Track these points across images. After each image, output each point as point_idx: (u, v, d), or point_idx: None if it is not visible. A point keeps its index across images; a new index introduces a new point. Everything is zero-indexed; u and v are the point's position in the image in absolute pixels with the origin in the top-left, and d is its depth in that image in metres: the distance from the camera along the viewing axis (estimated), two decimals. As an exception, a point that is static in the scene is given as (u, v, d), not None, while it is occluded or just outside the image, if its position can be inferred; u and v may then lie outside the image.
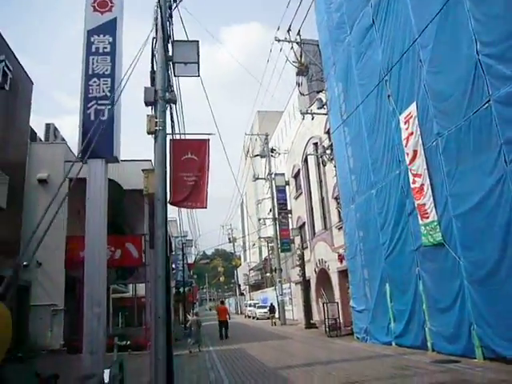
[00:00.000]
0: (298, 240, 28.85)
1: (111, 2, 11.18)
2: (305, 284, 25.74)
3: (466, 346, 9.75)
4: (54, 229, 16.93)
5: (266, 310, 39.99)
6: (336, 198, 21.25)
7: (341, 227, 20.56)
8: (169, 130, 8.14)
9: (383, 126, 13.76)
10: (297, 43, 20.37)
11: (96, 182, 10.51)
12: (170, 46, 8.69)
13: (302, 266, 25.43)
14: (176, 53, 8.06)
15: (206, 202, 8.07)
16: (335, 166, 18.85)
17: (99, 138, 10.18)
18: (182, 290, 32.08)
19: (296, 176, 29.65)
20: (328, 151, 19.82)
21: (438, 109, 10.70)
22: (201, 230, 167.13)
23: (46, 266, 16.61)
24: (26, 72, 16.47)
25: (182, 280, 31.73)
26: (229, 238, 64.96)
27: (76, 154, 11.26)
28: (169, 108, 8.05)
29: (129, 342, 14.50)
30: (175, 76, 8.30)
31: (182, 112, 9.13)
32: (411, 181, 11.84)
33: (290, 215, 31.38)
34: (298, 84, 20.59)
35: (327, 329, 18.68)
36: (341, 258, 20.37)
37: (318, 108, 19.68)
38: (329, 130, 21.19)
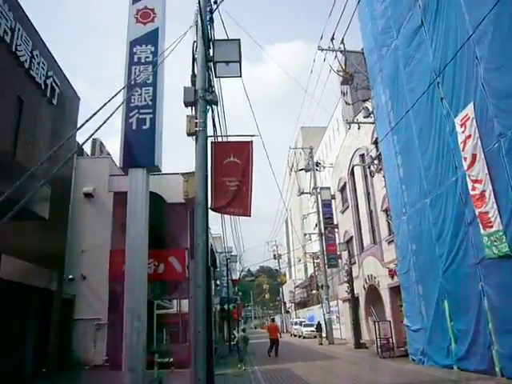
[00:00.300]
0: (345, 255, 27.83)
1: (154, 13, 11.08)
2: (353, 301, 24.62)
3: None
4: (98, 242, 16.93)
5: (312, 329, 38.79)
6: (385, 211, 20.28)
7: (391, 241, 19.55)
8: (210, 132, 7.74)
9: (436, 131, 12.89)
10: (340, 52, 19.78)
11: (137, 193, 10.23)
12: (211, 51, 8.39)
13: (351, 282, 24.37)
14: (217, 53, 7.71)
15: (250, 209, 7.61)
16: (384, 177, 17.97)
17: (140, 147, 10.01)
18: (226, 306, 31.57)
19: (342, 189, 28.80)
20: (376, 161, 18.96)
21: (499, 107, 9.79)
22: (245, 246, 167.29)
23: (90, 280, 16.62)
24: (73, 88, 16.78)
25: (226, 296, 31.24)
26: (274, 255, 64.16)
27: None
28: (210, 111, 7.67)
29: (171, 359, 14.06)
30: (216, 77, 7.94)
31: (223, 114, 8.74)
32: (470, 187, 10.88)
33: (336, 230, 30.43)
34: (343, 93, 19.99)
35: (379, 349, 17.58)
36: (392, 274, 19.29)
37: (365, 117, 18.95)
38: (376, 139, 20.38)
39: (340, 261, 29.65)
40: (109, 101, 6.26)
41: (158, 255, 17.25)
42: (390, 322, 18.17)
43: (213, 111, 7.86)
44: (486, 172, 10.28)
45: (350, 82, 19.41)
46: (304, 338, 38.54)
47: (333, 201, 31.00)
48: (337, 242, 30.19)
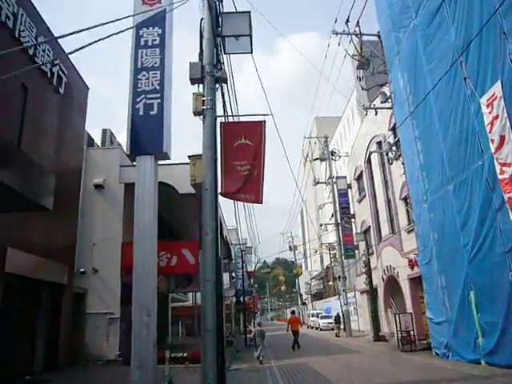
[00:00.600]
0: (362, 246, 27.21)
1: (160, -7, 10.59)
2: (372, 293, 24.02)
3: None
4: (109, 235, 16.57)
5: (330, 321, 38.32)
6: (404, 199, 19.58)
7: (411, 230, 18.89)
8: (219, 112, 7.22)
9: (459, 113, 12.19)
10: (356, 35, 19.04)
11: (145, 181, 9.79)
12: (219, 29, 7.82)
13: (369, 273, 23.77)
14: (225, 26, 7.17)
15: (262, 195, 7.07)
16: (403, 164, 17.27)
17: (148, 133, 9.59)
18: (242, 298, 31.21)
19: (358, 178, 28.08)
20: (394, 148, 18.26)
21: (531, 84, 9.10)
22: (260, 237, 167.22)
23: (101, 273, 16.34)
24: (81, 77, 16.40)
25: (241, 289, 30.88)
26: (289, 246, 63.71)
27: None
28: (219, 90, 7.14)
29: (185, 354, 13.70)
30: (226, 53, 7.41)
31: (234, 93, 8.20)
32: (498, 171, 10.18)
33: (353, 220, 29.75)
34: (359, 78, 19.28)
35: (399, 342, 17.00)
36: (412, 264, 18.65)
37: (382, 102, 18.23)
38: (394, 126, 19.66)
39: (357, 251, 28.99)
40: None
41: (170, 247, 16.93)
42: (411, 313, 17.55)
43: (222, 90, 7.32)
44: (515, 154, 9.60)
45: (366, 66, 18.66)
46: (321, 330, 38.06)
47: (349, 190, 30.30)
48: (354, 232, 29.54)
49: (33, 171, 9.13)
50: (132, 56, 10.26)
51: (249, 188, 7.06)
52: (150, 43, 10.37)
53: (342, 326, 30.56)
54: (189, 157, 6.91)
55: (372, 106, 19.43)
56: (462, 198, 12.29)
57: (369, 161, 25.26)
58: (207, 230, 6.30)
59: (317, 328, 40.36)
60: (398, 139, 17.77)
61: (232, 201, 10.36)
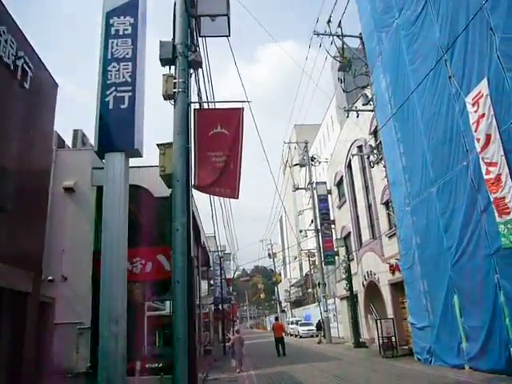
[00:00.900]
0: (342, 252, 26.89)
1: (132, -21, 10.04)
2: (352, 299, 23.69)
3: None
4: (80, 241, 15.69)
5: (309, 328, 37.97)
6: (386, 203, 19.35)
7: (392, 235, 18.65)
8: (193, 99, 6.68)
9: (443, 113, 11.96)
10: (337, 36, 18.81)
11: (115, 180, 9.14)
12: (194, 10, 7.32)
13: (349, 279, 23.43)
14: (201, 5, 6.65)
15: (238, 189, 6.55)
16: (385, 167, 17.02)
17: (118, 128, 8.96)
18: (220, 306, 30.56)
19: (339, 184, 27.86)
20: (375, 151, 18.02)
21: (519, 81, 8.87)
22: (239, 245, 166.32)
23: (71, 281, 15.44)
24: (49, 72, 15.63)
25: (220, 296, 30.22)
26: (268, 254, 63.20)
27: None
28: (194, 77, 6.62)
29: (161, 364, 12.99)
30: (201, 36, 6.90)
31: (209, 78, 7.69)
32: (484, 171, 9.93)
33: (333, 226, 29.48)
34: (341, 80, 18.99)
35: (381, 348, 16.63)
36: (393, 269, 18.38)
37: (364, 104, 17.99)
38: (375, 129, 19.49)
39: (337, 258, 28.68)
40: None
41: (145, 253, 16.13)
42: (393, 319, 17.22)
43: (197, 76, 6.81)
44: (501, 153, 9.33)
45: (348, 68, 18.43)
46: (301, 337, 37.57)
47: (329, 196, 30.05)
48: (334, 238, 29.25)
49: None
50: (102, 46, 9.63)
51: (224, 181, 6.54)
52: (121, 33, 9.75)
53: (321, 333, 30.19)
54: (158, 145, 6.35)
55: (353, 109, 19.18)
56: (445, 200, 12.03)
57: (349, 166, 25.06)
58: (177, 226, 5.74)
59: (296, 335, 39.86)
60: (380, 142, 17.54)
61: (208, 202, 9.79)
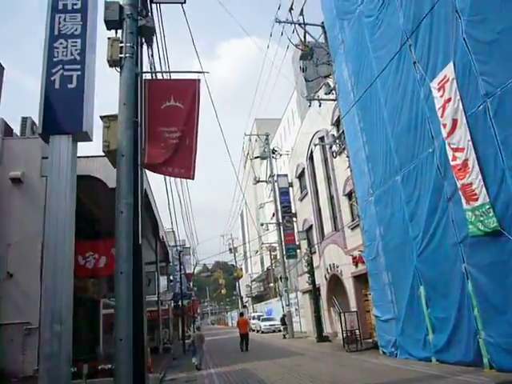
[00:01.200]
0: (304, 245, 26.61)
1: None
2: (314, 292, 23.41)
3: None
4: (29, 235, 14.49)
5: (271, 323, 37.63)
6: (348, 195, 19.09)
7: (355, 226, 18.42)
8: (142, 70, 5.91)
9: (408, 100, 11.65)
10: (299, 25, 18.32)
11: (60, 165, 8.24)
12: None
13: (311, 272, 23.13)
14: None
15: (194, 169, 5.85)
16: (348, 157, 16.69)
17: (65, 109, 8.08)
18: (180, 303, 29.69)
19: (300, 176, 27.52)
20: (338, 141, 17.69)
21: (486, 63, 8.60)
22: (199, 239, 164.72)
23: (18, 278, 14.26)
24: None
25: (180, 292, 29.34)
26: (229, 248, 62.57)
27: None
28: (145, 47, 5.86)
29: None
30: (154, 2, 6.15)
31: (164, 47, 6.93)
32: (450, 157, 9.66)
33: (294, 219, 29.15)
34: (302, 69, 18.53)
35: (345, 342, 16.36)
36: (356, 261, 18.15)
37: (326, 93, 17.63)
38: (337, 120, 19.18)
39: (299, 251, 28.38)
40: None
41: (98, 247, 15.20)
42: (356, 312, 16.98)
43: (149, 44, 6.04)
44: (468, 138, 9.08)
45: (310, 56, 17.99)
46: (263, 332, 37.15)
47: (290, 189, 29.70)
48: (295, 231, 28.94)
49: None
50: (47, 20, 8.70)
51: (178, 160, 5.82)
52: (69, 7, 8.90)
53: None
54: (101, 117, 5.58)
55: (316, 98, 18.77)
56: (411, 188, 11.75)
57: (311, 157, 24.73)
58: (121, 208, 5.00)
59: (258, 331, 39.46)
60: (343, 132, 17.21)
61: (165, 193, 9.01)
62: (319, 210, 24.10)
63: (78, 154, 8.63)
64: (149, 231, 22.37)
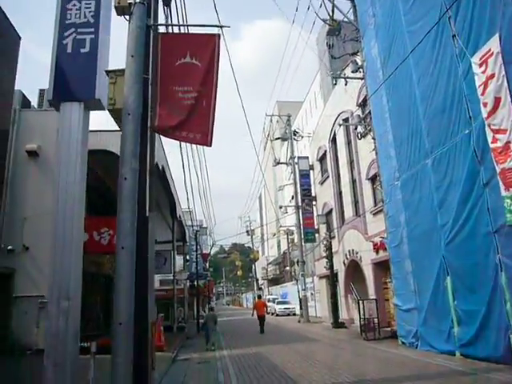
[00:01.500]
0: (323, 229, 26.01)
1: None
2: (332, 278, 22.88)
3: None
4: (45, 208, 14.28)
5: (286, 306, 37.43)
6: (371, 179, 18.38)
7: (377, 212, 17.75)
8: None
9: (445, 77, 10.84)
10: (327, -3, 17.42)
11: (71, 134, 7.78)
12: None
13: (330, 257, 22.57)
14: None
15: (211, 135, 5.27)
16: (374, 139, 15.94)
17: (77, 75, 7.55)
18: (196, 282, 29.55)
19: (322, 159, 26.78)
20: (363, 122, 16.92)
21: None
22: (217, 221, 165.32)
23: (33, 251, 14.12)
24: (12, 24, 14.01)
25: (195, 272, 29.17)
26: (247, 231, 62.36)
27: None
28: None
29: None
30: None
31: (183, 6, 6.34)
32: (490, 140, 8.92)
33: (314, 202, 28.50)
34: (329, 46, 17.72)
35: (362, 330, 15.85)
36: (377, 248, 17.53)
37: (353, 71, 16.78)
38: (363, 100, 18.37)
39: (317, 235, 27.80)
40: None
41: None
42: (375, 300, 16.42)
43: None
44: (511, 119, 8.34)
45: (338, 32, 17.16)
46: (277, 315, 36.94)
47: (311, 172, 28.99)
48: (314, 215, 28.32)
49: None
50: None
51: (194, 123, 5.25)
52: (83, -36, 8.38)
53: (298, 312, 29.57)
54: (106, 72, 5.05)
55: (342, 76, 17.96)
56: (441, 172, 11.03)
57: (334, 140, 23.97)
58: (125, 173, 4.47)
59: (273, 313, 39.29)
60: (369, 112, 16.44)
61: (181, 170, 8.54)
62: (340, 193, 23.43)
63: (94, 128, 8.18)
64: (166, 209, 22.06)
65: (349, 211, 21.93)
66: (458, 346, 10.28)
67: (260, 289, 65.55)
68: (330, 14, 17.14)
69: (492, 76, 8.82)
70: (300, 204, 29.31)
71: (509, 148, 8.38)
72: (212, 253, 62.51)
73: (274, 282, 59.08)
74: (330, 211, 25.19)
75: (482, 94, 9.12)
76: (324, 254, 24.38)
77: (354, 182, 21.26)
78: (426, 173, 11.82)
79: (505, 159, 8.46)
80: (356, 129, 17.50)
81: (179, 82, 5.32)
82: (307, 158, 29.57)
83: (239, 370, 10.50)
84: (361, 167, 19.80)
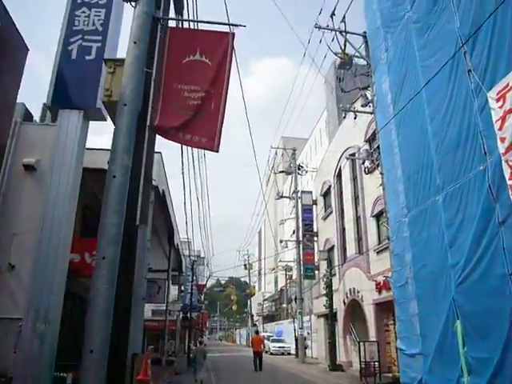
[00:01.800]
0: (323, 266, 25.32)
1: None
2: (331, 317, 22.03)
3: None
4: (37, 224, 13.74)
5: (281, 345, 36.19)
6: (376, 216, 17.91)
7: (381, 250, 17.19)
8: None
9: (459, 112, 10.49)
10: (340, 32, 17.47)
11: (67, 143, 7.48)
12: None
13: (330, 295, 21.81)
14: None
15: (219, 138, 4.77)
16: (381, 173, 15.55)
17: (79, 82, 7.24)
18: (189, 314, 28.60)
19: (326, 194, 26.42)
20: (370, 157, 16.60)
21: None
22: (215, 251, 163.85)
23: (19, 270, 13.44)
24: (20, 34, 13.87)
25: (189, 304, 28.26)
26: (244, 265, 61.34)
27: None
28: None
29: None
30: None
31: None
32: (507, 176, 8.42)
33: (315, 238, 27.92)
34: (340, 79, 17.61)
35: (362, 374, 15.00)
36: (380, 288, 16.88)
37: (363, 106, 16.60)
38: (371, 135, 18.13)
39: (317, 272, 27.07)
40: None
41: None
42: (377, 342, 15.63)
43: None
44: (531, 155, 7.92)
45: (349, 66, 17.07)
46: (271, 353, 35.58)
47: (314, 207, 28.56)
48: (315, 251, 27.68)
49: None
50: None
51: (199, 125, 4.77)
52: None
53: (293, 352, 28.45)
54: (104, 60, 4.66)
55: (351, 109, 17.78)
56: (453, 209, 10.52)
57: (339, 175, 23.66)
58: (114, 171, 3.90)
59: (266, 352, 37.89)
60: (377, 147, 16.13)
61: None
62: (343, 230, 22.91)
63: (94, 146, 7.77)
64: (164, 236, 21.50)
65: (351, 248, 21.35)
66: (468, 398, 9.51)
67: (255, 325, 63.96)
68: (342, 47, 17.10)
69: (510, 111, 8.45)
70: (301, 239, 28.71)
71: (528, 185, 7.93)
72: (208, 285, 61.28)
73: (270, 319, 57.76)
74: (332, 248, 24.60)
75: (500, 129, 8.73)
76: (323, 292, 23.64)
77: (358, 218, 20.79)
78: (437, 209, 11.32)
79: (523, 197, 7.99)
80: (363, 163, 17.16)
81: (186, 80, 4.92)
82: (311, 192, 29.27)
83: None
84: (366, 204, 19.38)
